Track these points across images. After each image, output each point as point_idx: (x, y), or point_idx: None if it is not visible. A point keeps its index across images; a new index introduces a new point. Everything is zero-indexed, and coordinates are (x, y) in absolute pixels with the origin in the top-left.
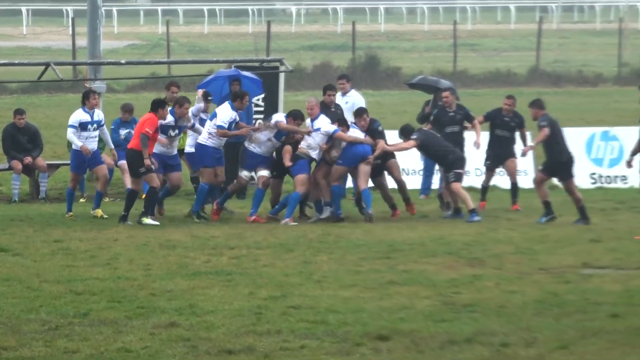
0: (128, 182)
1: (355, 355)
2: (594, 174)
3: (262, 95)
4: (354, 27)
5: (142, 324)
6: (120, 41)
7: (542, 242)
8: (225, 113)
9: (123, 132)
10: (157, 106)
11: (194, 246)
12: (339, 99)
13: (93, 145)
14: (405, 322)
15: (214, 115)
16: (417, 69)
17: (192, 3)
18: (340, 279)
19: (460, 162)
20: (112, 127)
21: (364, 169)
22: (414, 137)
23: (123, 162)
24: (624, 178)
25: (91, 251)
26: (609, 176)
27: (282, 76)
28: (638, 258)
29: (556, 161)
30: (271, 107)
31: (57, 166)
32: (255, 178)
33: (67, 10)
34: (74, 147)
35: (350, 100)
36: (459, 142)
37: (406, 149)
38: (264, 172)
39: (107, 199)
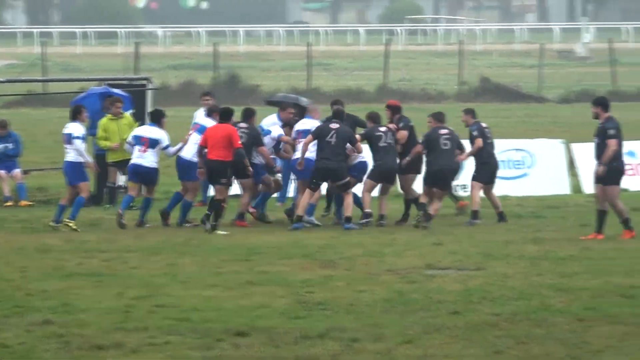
0: (6, 191)
1: (216, 349)
2: None
3: (132, 111)
4: (215, 48)
5: (18, 321)
6: None
7: (390, 246)
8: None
9: (0, 146)
10: (231, 115)
11: (68, 250)
12: (201, 114)
13: None
14: (263, 319)
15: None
16: (274, 86)
17: (66, 25)
18: (202, 280)
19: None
20: None
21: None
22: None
23: (2, 172)
24: (464, 187)
25: None
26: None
27: (149, 93)
28: (476, 260)
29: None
30: (140, 121)
31: None
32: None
33: None
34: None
35: None
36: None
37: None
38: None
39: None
